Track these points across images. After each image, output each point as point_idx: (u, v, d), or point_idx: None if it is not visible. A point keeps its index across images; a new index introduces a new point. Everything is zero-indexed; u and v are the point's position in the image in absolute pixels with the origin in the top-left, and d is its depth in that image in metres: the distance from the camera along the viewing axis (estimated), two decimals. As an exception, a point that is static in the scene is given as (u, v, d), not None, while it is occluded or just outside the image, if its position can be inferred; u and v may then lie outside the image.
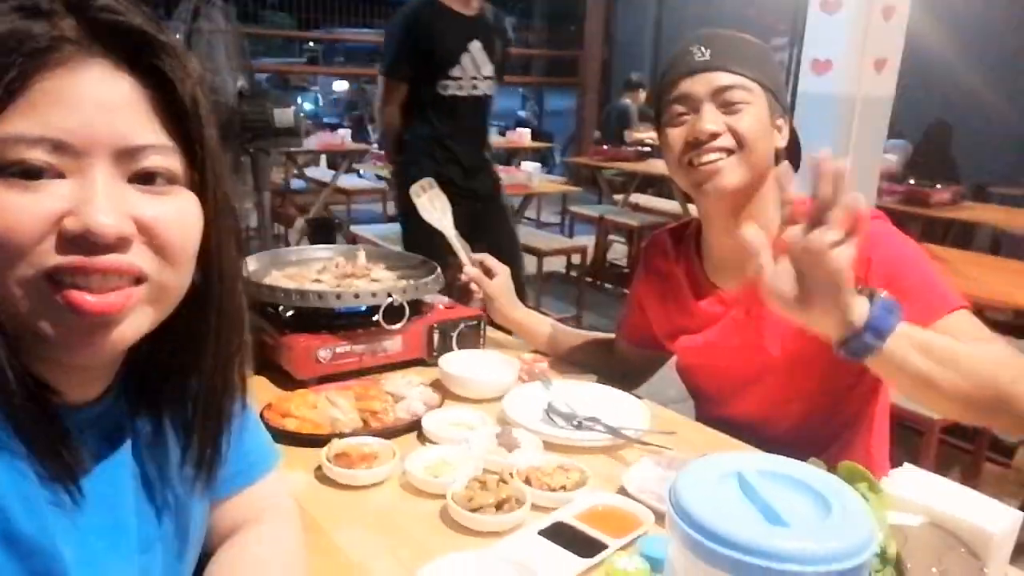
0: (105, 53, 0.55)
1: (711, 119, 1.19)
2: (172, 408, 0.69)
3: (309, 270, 1.56)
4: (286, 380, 1.37)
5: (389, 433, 1.20)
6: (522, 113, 10.22)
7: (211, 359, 0.66)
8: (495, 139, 7.25)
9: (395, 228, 4.65)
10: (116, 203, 0.54)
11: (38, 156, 0.51)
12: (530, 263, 4.38)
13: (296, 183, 6.16)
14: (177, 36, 2.50)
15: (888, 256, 1.14)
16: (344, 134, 5.88)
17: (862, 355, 0.92)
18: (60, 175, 0.52)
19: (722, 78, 1.20)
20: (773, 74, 1.25)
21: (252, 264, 1.56)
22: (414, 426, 1.23)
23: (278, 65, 8.21)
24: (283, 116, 2.57)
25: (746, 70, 1.20)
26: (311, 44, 13.58)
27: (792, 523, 0.60)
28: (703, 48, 1.21)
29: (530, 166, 4.42)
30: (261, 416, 1.21)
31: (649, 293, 1.46)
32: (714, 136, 1.19)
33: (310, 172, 6.10)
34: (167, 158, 0.57)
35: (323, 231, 5.57)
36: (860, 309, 0.91)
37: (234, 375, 0.69)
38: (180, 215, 0.58)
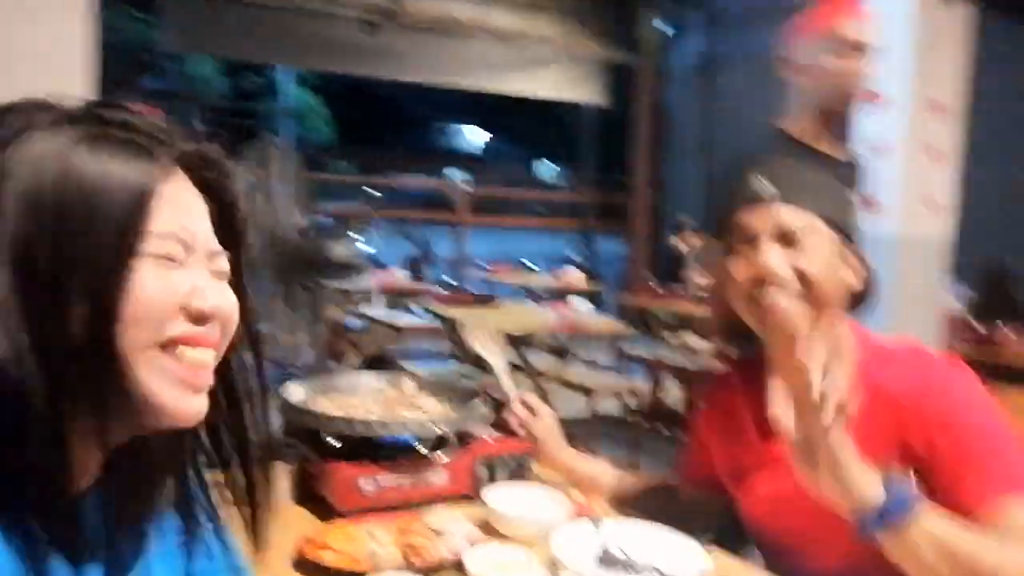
0: (187, 170, 0.67)
1: (775, 257, 1.15)
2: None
3: (355, 398, 1.54)
4: (327, 512, 1.32)
5: (430, 571, 1.13)
6: (570, 255, 10.39)
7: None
8: (548, 278, 7.35)
9: (449, 367, 4.68)
10: (212, 291, 0.66)
11: (172, 249, 0.63)
12: (581, 403, 4.30)
13: (350, 322, 6.27)
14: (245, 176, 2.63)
15: (949, 408, 1.06)
16: (400, 274, 6.02)
17: (872, 538, 0.88)
18: (181, 264, 0.64)
19: (784, 213, 1.16)
20: (841, 207, 1.21)
21: (298, 392, 1.56)
22: (457, 564, 1.15)
23: (336, 209, 8.71)
24: (341, 250, 2.66)
25: (810, 204, 1.17)
26: (371, 191, 14.29)
27: None
28: (764, 179, 1.20)
29: (582, 304, 4.43)
30: (301, 552, 1.16)
31: (712, 429, 1.39)
32: (776, 275, 1.16)
33: (366, 310, 6.22)
34: (224, 259, 0.69)
35: (377, 368, 5.59)
36: (873, 491, 0.91)
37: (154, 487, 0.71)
38: (235, 304, 0.69)
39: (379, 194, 15.10)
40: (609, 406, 5.17)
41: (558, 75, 8.81)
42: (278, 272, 2.67)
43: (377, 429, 1.36)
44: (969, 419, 1.05)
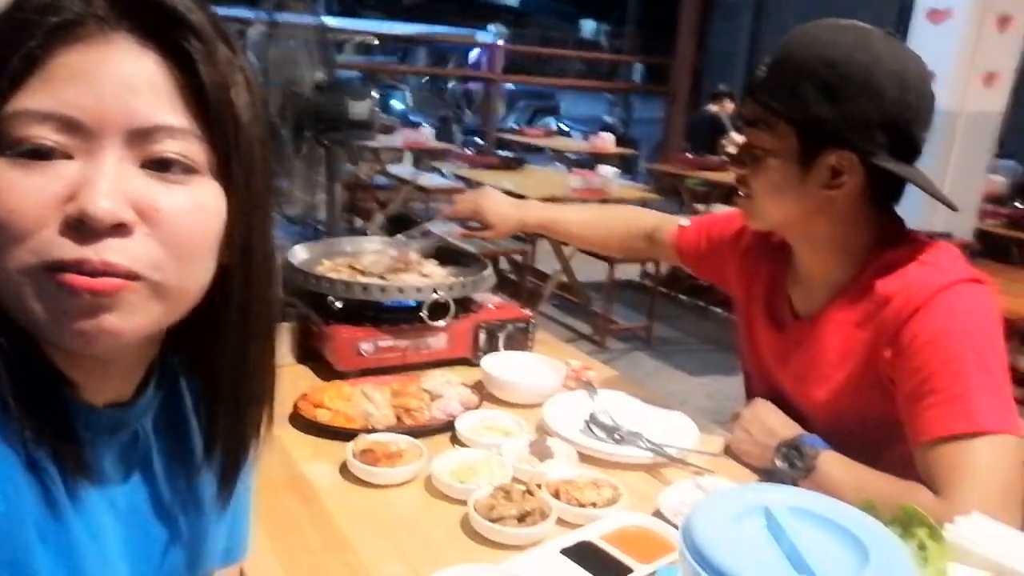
0: (131, 29, 0.52)
1: (736, 157, 1.12)
2: (197, 410, 0.66)
3: (360, 261, 1.54)
4: (328, 372, 1.35)
5: (421, 432, 1.16)
6: (608, 119, 10.11)
7: (232, 362, 0.61)
8: (578, 143, 7.18)
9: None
10: (119, 187, 0.50)
11: (47, 134, 0.48)
12: (600, 269, 4.31)
13: (379, 179, 6.25)
14: (258, 28, 2.53)
15: (926, 337, 1.00)
16: (428, 132, 5.92)
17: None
18: (69, 156, 0.49)
19: (752, 109, 1.09)
20: (845, 110, 1.01)
21: (303, 253, 1.56)
22: (447, 427, 1.19)
23: (364, 63, 8.41)
24: (358, 108, 2.59)
25: (783, 101, 1.04)
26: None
27: (820, 572, 0.52)
28: (764, 65, 1.09)
29: (608, 170, 4.32)
30: (295, 406, 1.20)
31: (734, 257, 1.34)
32: (737, 176, 1.13)
33: (393, 169, 6.18)
34: (186, 144, 0.53)
35: (400, 227, 5.62)
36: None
37: (260, 381, 0.65)
38: (193, 207, 0.53)
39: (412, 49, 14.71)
40: (629, 271, 5.16)
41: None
42: (294, 128, 2.62)
43: (376, 293, 1.36)
44: (941, 353, 0.98)
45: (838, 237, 1.12)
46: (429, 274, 1.51)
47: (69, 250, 0.48)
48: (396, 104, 9.33)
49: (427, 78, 10.28)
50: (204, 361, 0.62)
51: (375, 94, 2.67)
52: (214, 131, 0.54)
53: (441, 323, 1.37)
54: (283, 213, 2.51)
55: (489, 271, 1.51)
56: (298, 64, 2.55)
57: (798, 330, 1.19)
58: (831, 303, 1.14)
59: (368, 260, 1.53)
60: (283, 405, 1.20)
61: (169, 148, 0.52)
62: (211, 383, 0.63)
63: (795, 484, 1.05)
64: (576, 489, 1.01)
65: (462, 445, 1.15)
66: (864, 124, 1.01)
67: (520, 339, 1.50)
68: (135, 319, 0.52)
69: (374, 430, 1.14)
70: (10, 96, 0.49)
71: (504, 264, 4.92)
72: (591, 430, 1.19)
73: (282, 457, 1.10)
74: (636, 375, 4.06)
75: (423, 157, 6.16)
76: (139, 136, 0.51)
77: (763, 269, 1.28)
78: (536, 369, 1.40)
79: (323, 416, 1.17)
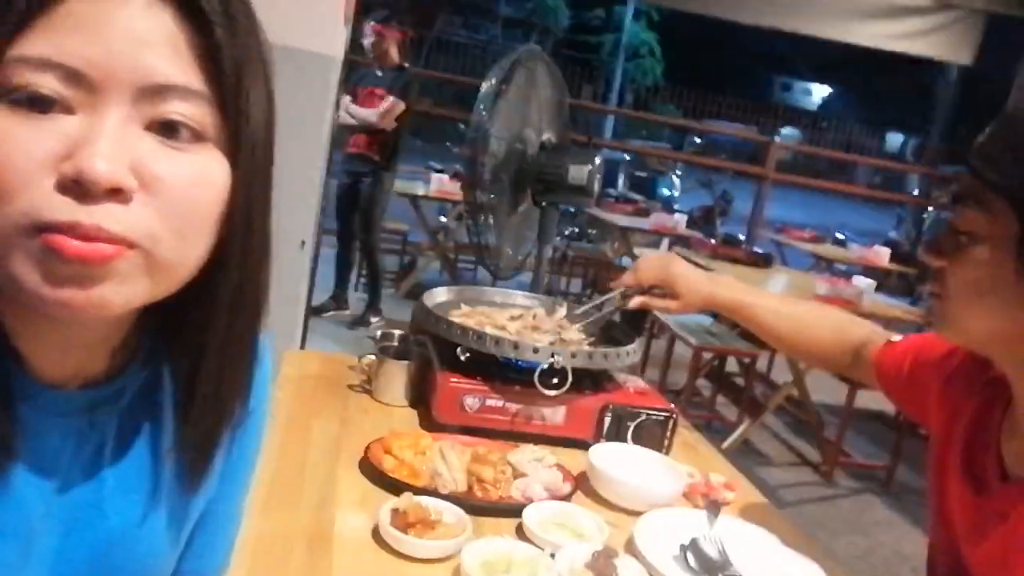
0: None
1: (935, 244, 0.87)
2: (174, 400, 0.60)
3: (501, 315, 1.43)
4: (431, 422, 1.24)
5: (485, 510, 1.00)
6: (893, 234, 9.14)
7: (219, 343, 0.56)
8: (846, 252, 6.54)
9: (703, 320, 4.40)
10: (121, 148, 0.46)
11: (47, 83, 0.45)
12: (839, 390, 3.79)
13: (626, 260, 6.19)
14: (491, 82, 2.59)
15: None
16: (679, 219, 5.74)
17: None
18: (70, 111, 0.45)
19: (965, 184, 0.83)
20: None
21: (443, 295, 1.48)
22: (512, 512, 1.01)
23: (635, 146, 8.56)
24: (577, 173, 2.54)
25: (1004, 171, 0.78)
26: (696, 138, 13.96)
27: None
28: (987, 128, 0.82)
29: (864, 281, 3.80)
30: (366, 448, 1.10)
31: (935, 383, 1.03)
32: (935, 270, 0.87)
33: (640, 252, 6.09)
34: (197, 107, 0.49)
35: (634, 317, 5.50)
36: None
37: (243, 368, 0.59)
38: (198, 177, 0.49)
39: (698, 140, 14.71)
40: (873, 399, 4.49)
41: (920, 25, 7.57)
42: (513, 185, 2.62)
43: (489, 345, 1.23)
44: None
45: None
46: (567, 339, 1.35)
47: (62, 211, 0.45)
48: (664, 191, 9.28)
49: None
50: (189, 340, 0.56)
51: (598, 160, 2.61)
52: (227, 98, 0.50)
53: (552, 392, 1.20)
54: (490, 269, 2.50)
55: (633, 347, 1.32)
56: (527, 122, 2.57)
57: (1005, 497, 0.85)
58: None
59: (507, 314, 1.42)
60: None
61: (179, 110, 0.48)
62: (193, 363, 0.57)
63: None
64: (621, 626, 0.78)
65: (526, 538, 0.97)
66: None
67: (655, 433, 1.28)
68: (125, 291, 0.48)
69: (436, 493, 1.00)
70: (13, 42, 0.45)
71: (733, 366, 4.54)
72: (685, 558, 0.95)
73: (325, 497, 1.00)
74: (862, 522, 3.46)
75: (675, 243, 5.99)
76: (149, 94, 0.47)
77: (970, 406, 0.95)
78: (654, 471, 1.17)
79: (387, 464, 1.05)
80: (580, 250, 6.30)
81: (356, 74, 4.49)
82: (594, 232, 7.17)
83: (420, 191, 5.31)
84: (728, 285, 1.37)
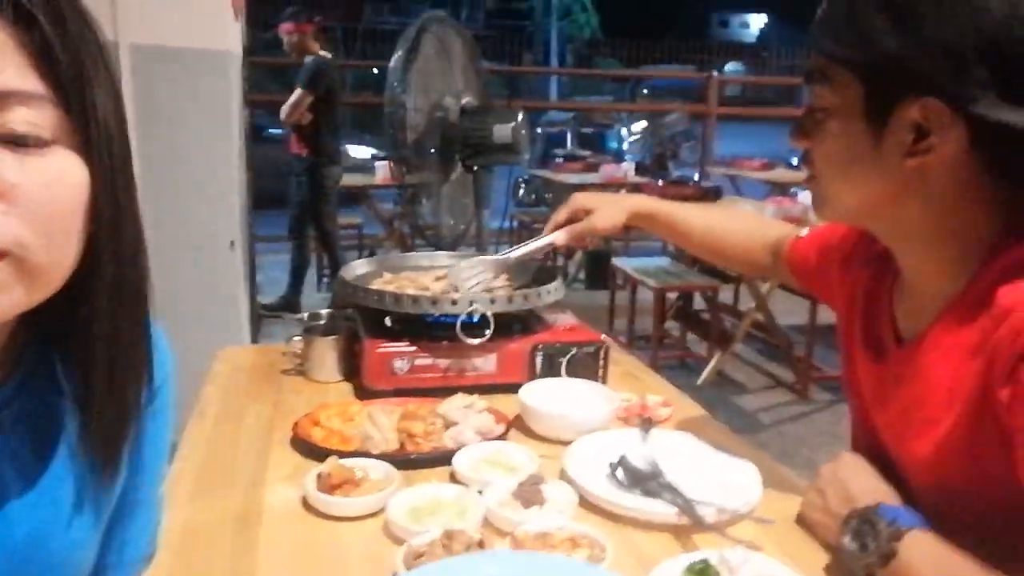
0: None
1: (797, 127, 0.86)
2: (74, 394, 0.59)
3: (427, 277, 1.43)
4: (365, 391, 1.24)
5: (416, 462, 1.01)
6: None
7: (105, 332, 0.56)
8: (800, 174, 6.61)
9: (661, 262, 4.43)
10: None
11: None
12: (803, 311, 3.84)
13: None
14: (399, 54, 2.56)
15: None
16: (627, 168, 5.76)
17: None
18: None
19: (810, 61, 0.83)
20: (924, 38, 0.73)
21: (363, 267, 1.48)
22: (443, 459, 1.01)
23: (577, 104, 8.54)
24: (502, 132, 2.53)
25: (841, 40, 0.78)
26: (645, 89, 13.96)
27: None
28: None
29: (809, 197, 3.85)
30: (295, 427, 1.09)
31: (835, 266, 1.06)
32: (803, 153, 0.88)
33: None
34: (39, 110, 0.48)
35: (597, 264, 5.53)
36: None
37: (135, 352, 0.60)
38: (53, 178, 0.49)
39: (645, 91, 14.69)
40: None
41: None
42: (440, 154, 2.60)
43: (425, 306, 1.23)
44: None
45: (942, 228, 0.80)
46: (493, 288, 1.35)
47: None
48: (612, 144, 9.28)
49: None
50: (76, 336, 0.57)
51: (520, 116, 2.59)
52: (69, 98, 0.50)
53: (475, 341, 1.20)
54: (432, 243, 2.49)
55: (555, 285, 1.32)
56: (445, 89, 2.55)
57: (900, 360, 0.88)
58: (937, 321, 0.82)
59: (431, 276, 1.41)
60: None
61: (20, 117, 0.48)
62: (84, 358, 0.57)
63: (868, 574, 0.75)
64: (547, 546, 0.79)
65: (459, 483, 0.97)
66: (953, 55, 0.71)
67: (588, 366, 1.29)
68: (1, 301, 0.48)
69: (368, 455, 1.01)
70: None
71: (701, 305, 4.59)
72: (614, 476, 0.96)
73: (256, 478, 1.00)
74: (839, 430, 3.52)
75: (625, 192, 6.01)
76: None
77: (862, 279, 0.97)
78: (587, 400, 1.18)
79: (316, 435, 1.06)
80: (536, 215, 6.29)
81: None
82: (550, 195, 7.17)
83: (367, 182, 5.29)
84: (647, 198, 1.38)
